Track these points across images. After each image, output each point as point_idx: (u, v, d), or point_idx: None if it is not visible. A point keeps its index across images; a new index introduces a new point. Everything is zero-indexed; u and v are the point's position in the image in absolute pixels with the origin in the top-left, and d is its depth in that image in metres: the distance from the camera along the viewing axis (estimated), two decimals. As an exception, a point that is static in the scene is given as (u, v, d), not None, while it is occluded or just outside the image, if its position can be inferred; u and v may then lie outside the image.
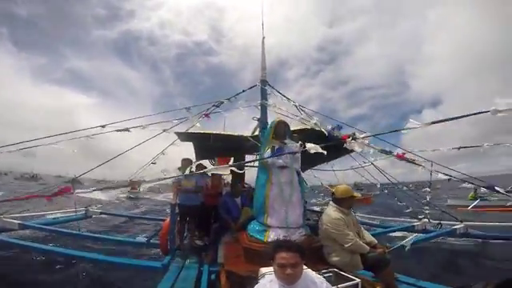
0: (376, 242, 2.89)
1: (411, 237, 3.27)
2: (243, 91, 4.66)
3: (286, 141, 3.34)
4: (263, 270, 1.84)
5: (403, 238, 3.39)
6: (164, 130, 3.63)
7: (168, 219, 4.34)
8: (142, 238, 5.15)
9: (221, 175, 5.36)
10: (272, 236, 2.95)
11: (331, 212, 2.87)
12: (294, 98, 4.45)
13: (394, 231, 5.70)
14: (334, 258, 2.72)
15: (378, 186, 5.71)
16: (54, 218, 5.82)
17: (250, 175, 6.25)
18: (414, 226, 5.79)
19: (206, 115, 3.90)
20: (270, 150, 3.25)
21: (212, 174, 5.19)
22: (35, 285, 4.01)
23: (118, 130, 3.14)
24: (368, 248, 2.69)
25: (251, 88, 4.64)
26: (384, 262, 2.61)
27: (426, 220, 5.74)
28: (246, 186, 5.88)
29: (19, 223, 4.57)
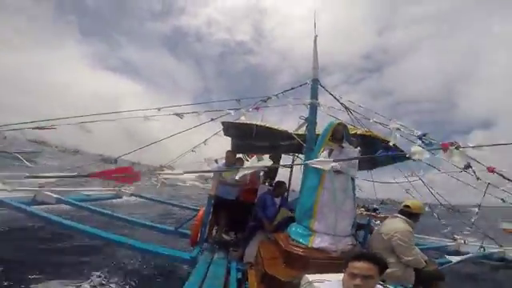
0: (426, 257, 2.87)
1: (462, 257, 3.40)
2: (292, 88, 4.49)
3: (344, 144, 3.09)
4: (310, 277, 1.61)
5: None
6: (212, 119, 3.52)
7: (203, 209, 4.25)
8: (167, 226, 5.10)
9: (259, 172, 5.20)
10: (317, 241, 2.78)
11: (401, 224, 2.81)
12: (326, 102, 4.20)
13: (423, 250, 5.38)
14: (387, 270, 2.57)
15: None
16: (87, 195, 5.92)
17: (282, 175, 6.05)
18: (446, 246, 5.51)
19: (256, 108, 3.74)
20: (326, 152, 3.00)
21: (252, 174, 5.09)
22: (61, 264, 4.09)
23: (172, 114, 3.06)
24: (424, 263, 2.73)
25: (301, 86, 4.41)
26: (438, 278, 2.66)
27: (461, 241, 5.44)
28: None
29: (56, 197, 4.66)
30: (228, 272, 3.07)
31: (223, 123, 4.27)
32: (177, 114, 3.11)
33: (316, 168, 3.07)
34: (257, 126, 4.35)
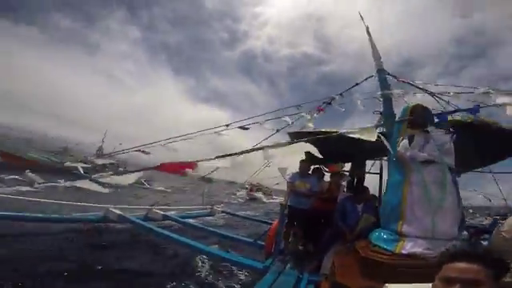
0: None
1: None
2: (357, 84, 4.15)
3: (429, 128, 2.58)
4: (391, 286, 1.24)
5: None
6: (277, 130, 3.59)
7: (276, 221, 4.25)
8: (247, 238, 5.30)
9: (339, 180, 4.87)
10: (408, 247, 2.30)
11: None
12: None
13: None
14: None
15: None
16: (187, 213, 6.89)
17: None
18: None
19: (320, 109, 3.59)
20: (406, 140, 2.59)
21: (331, 178, 4.89)
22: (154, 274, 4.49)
23: (239, 127, 3.32)
24: None
25: (367, 79, 4.04)
26: None
27: None
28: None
29: (163, 214, 5.61)
30: (298, 283, 2.94)
31: (290, 134, 4.27)
32: (242, 128, 3.31)
33: (398, 161, 2.68)
34: (332, 133, 4.17)
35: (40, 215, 4.57)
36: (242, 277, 4.23)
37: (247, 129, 3.36)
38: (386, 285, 1.32)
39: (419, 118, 2.64)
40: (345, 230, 3.42)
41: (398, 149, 2.64)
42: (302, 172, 4.27)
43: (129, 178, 1.76)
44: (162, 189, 18.52)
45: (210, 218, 7.60)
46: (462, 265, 0.92)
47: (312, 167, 4.76)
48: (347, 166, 5.83)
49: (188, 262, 4.56)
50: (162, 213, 5.60)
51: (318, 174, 4.90)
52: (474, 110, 2.70)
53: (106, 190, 1.77)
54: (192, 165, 1.66)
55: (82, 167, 3.75)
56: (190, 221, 6.15)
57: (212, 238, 5.59)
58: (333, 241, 3.52)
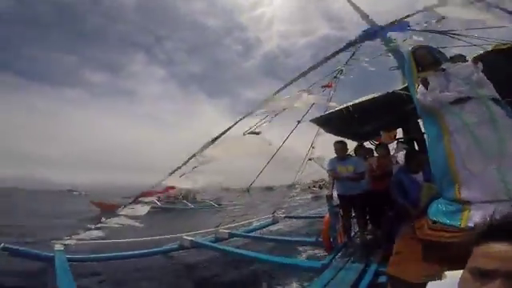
0: None
1: None
2: (354, 42, 3.54)
3: (445, 65, 2.13)
4: (451, 274, 0.89)
5: None
6: (298, 122, 3.46)
7: (328, 214, 3.96)
8: (308, 238, 5.11)
9: (385, 150, 4.35)
10: (477, 217, 1.70)
11: None
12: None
13: None
14: None
15: None
16: (252, 227, 7.11)
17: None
18: None
19: (327, 86, 3.30)
20: (421, 86, 2.19)
21: (378, 151, 4.37)
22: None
23: (249, 133, 3.30)
24: None
25: (355, 43, 3.36)
26: None
27: None
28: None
29: (229, 232, 5.93)
30: (361, 277, 2.60)
31: (313, 121, 4.07)
32: (254, 133, 3.29)
33: (426, 111, 2.23)
34: (351, 106, 3.81)
35: (124, 253, 5.09)
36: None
37: (259, 133, 3.33)
38: (446, 273, 0.98)
39: (426, 60, 2.20)
40: (407, 206, 2.89)
41: (417, 96, 2.23)
42: (340, 155, 3.83)
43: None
44: (232, 207, 19.59)
45: (275, 225, 7.64)
46: (504, 248, 0.54)
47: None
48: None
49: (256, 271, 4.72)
50: (228, 231, 5.92)
51: (362, 151, 4.47)
52: None
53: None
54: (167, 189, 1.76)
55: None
56: (255, 234, 6.32)
57: (277, 245, 5.63)
58: (398, 222, 2.97)
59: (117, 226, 3.69)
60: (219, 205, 22.09)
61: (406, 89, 3.22)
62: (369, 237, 3.90)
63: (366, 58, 3.49)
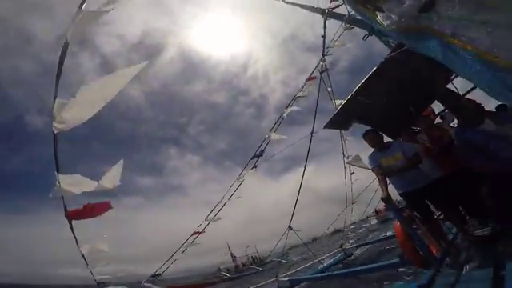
0: None
1: None
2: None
3: None
4: None
5: None
6: (311, 133, 3.17)
7: (397, 222, 3.03)
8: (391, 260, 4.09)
9: (431, 121, 3.59)
10: None
11: None
12: None
13: None
14: None
15: None
16: (321, 267, 6.10)
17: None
18: None
19: (311, 79, 3.08)
20: (379, 13, 1.88)
21: (420, 125, 3.55)
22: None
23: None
24: None
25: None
26: None
27: None
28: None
29: (289, 279, 5.14)
30: (499, 282, 1.66)
31: (326, 126, 3.73)
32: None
33: (405, 31, 1.78)
34: (357, 90, 3.31)
35: None
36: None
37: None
38: None
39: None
40: (495, 165, 2.06)
41: (386, 24, 1.85)
42: (378, 145, 3.03)
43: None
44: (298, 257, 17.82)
45: (350, 258, 6.50)
46: None
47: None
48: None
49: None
50: (288, 279, 5.16)
51: (411, 136, 3.60)
52: None
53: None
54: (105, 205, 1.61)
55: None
56: (324, 274, 5.38)
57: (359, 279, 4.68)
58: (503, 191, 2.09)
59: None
60: (287, 260, 20.51)
61: (398, 47, 2.70)
62: (479, 232, 2.86)
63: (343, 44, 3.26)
